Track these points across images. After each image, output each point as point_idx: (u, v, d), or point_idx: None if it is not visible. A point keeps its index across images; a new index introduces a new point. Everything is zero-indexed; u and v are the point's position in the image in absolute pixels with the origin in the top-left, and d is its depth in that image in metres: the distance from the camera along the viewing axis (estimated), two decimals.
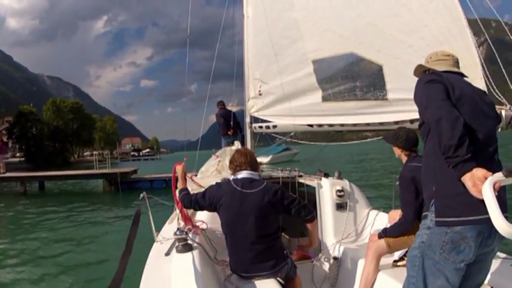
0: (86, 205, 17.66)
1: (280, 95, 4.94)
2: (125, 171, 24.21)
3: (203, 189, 4.19)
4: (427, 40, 3.39)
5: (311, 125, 4.59)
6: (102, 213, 15.68)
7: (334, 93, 4.32)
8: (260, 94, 5.18)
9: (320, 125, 4.48)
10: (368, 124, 3.94)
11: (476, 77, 2.97)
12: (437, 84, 2.05)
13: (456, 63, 2.39)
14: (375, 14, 3.71)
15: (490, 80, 3.04)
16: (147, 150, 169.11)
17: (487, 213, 1.76)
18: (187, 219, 3.50)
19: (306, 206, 3.21)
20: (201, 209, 3.30)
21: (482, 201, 1.77)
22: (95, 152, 30.52)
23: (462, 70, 2.34)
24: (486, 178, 1.77)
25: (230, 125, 9.63)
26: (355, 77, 4.09)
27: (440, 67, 2.32)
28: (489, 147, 2.06)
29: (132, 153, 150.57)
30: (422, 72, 2.45)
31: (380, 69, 3.86)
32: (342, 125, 4.23)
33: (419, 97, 2.12)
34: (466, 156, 1.82)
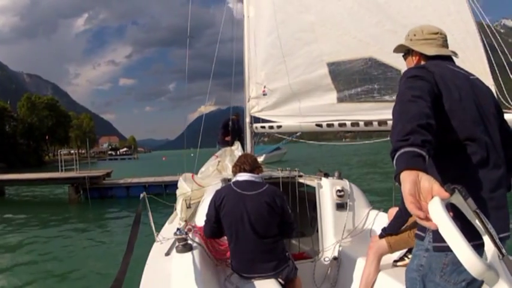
0: (41, 221, 14.31)
1: (288, 95, 4.94)
2: (94, 175, 19.97)
3: (203, 188, 4.17)
4: None
5: (320, 125, 4.57)
6: (62, 232, 12.29)
7: (350, 95, 4.32)
8: (264, 94, 5.19)
9: (330, 125, 4.46)
10: (380, 124, 3.92)
11: (487, 84, 3.05)
12: (422, 82, 1.68)
13: (445, 41, 2.08)
14: (395, 22, 3.73)
15: (503, 87, 3.12)
16: (125, 149, 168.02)
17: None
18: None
19: (294, 230, 3.30)
20: (215, 223, 3.18)
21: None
22: (63, 151, 25.07)
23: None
24: (433, 196, 1.28)
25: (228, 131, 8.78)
26: (373, 80, 4.09)
27: (427, 49, 2.03)
28: (496, 152, 1.77)
29: (110, 152, 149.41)
30: (405, 51, 2.19)
31: (399, 73, 3.83)
32: (353, 124, 4.21)
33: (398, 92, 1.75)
34: (417, 146, 1.37)
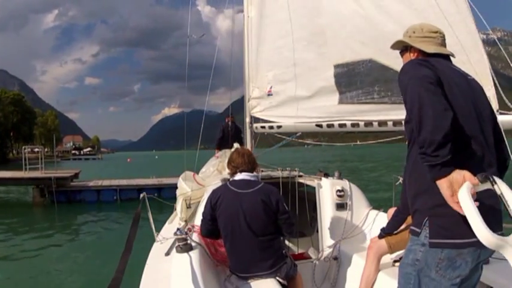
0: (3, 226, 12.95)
1: (293, 96, 4.95)
2: (61, 176, 18.15)
3: (203, 188, 4.13)
4: None
5: (320, 125, 4.60)
6: (25, 241, 11.13)
7: (351, 96, 4.36)
8: (270, 94, 5.19)
9: (330, 125, 4.49)
10: (380, 125, 3.97)
11: (487, 84, 3.12)
12: (428, 70, 1.73)
13: (444, 41, 2.09)
14: (394, 24, 3.77)
15: (499, 88, 3.18)
16: (88, 149, 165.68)
17: None
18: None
19: (293, 225, 3.22)
20: (210, 221, 3.16)
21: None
22: (27, 149, 21.75)
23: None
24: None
25: (228, 140, 8.65)
26: (374, 82, 4.13)
27: (427, 47, 2.04)
28: (489, 151, 1.82)
29: (73, 151, 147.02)
30: (402, 47, 2.20)
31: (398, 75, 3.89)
32: (353, 125, 4.25)
33: (401, 80, 1.80)
34: (446, 157, 1.56)
